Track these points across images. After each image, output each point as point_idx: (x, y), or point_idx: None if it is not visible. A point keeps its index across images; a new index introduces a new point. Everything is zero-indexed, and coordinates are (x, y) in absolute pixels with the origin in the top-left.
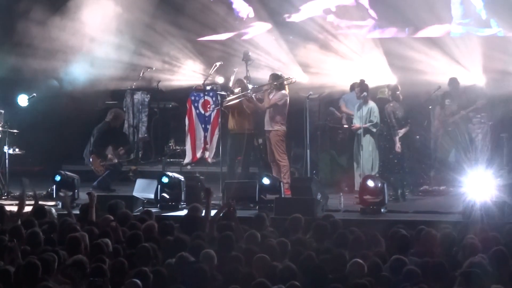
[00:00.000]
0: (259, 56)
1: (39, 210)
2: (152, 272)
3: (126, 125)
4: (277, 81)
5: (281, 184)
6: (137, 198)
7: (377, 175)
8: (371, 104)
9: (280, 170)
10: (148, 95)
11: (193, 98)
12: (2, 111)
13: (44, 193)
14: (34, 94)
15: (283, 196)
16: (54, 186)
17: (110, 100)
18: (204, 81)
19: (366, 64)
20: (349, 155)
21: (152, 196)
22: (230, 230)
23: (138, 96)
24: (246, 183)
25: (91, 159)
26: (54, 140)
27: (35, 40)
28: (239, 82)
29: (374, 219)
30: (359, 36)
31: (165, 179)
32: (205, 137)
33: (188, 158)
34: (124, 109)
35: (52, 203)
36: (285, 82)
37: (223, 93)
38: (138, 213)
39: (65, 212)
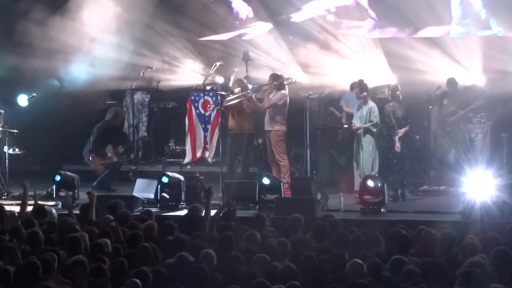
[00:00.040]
0: (259, 56)
1: (39, 210)
2: (152, 272)
3: (126, 125)
4: (277, 81)
5: (281, 184)
6: (137, 198)
7: (376, 175)
8: (371, 104)
9: (280, 170)
10: (148, 95)
11: (193, 98)
12: (2, 111)
13: (44, 193)
14: (34, 94)
15: (283, 196)
16: (54, 186)
17: (110, 100)
18: (204, 81)
19: (366, 64)
20: (349, 155)
21: (152, 196)
22: (230, 230)
23: (138, 96)
24: (246, 183)
25: (90, 158)
26: (54, 140)
27: (35, 40)
28: (239, 82)
29: (374, 219)
30: (359, 36)
31: (165, 179)
32: (205, 137)
33: (188, 158)
34: (124, 109)
35: (52, 203)
36: (285, 82)
37: (223, 93)
38: (138, 213)
39: (65, 212)
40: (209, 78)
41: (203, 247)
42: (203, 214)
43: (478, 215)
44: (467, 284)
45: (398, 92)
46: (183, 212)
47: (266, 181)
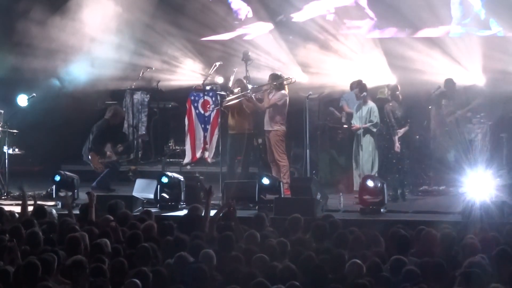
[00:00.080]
0: (259, 56)
1: (39, 210)
2: (152, 272)
3: (125, 125)
4: (277, 81)
5: (281, 184)
6: (136, 198)
7: (376, 175)
8: (371, 104)
9: (279, 170)
10: (148, 95)
11: (192, 98)
12: (2, 111)
13: (44, 193)
14: (34, 94)
15: (282, 196)
16: (54, 186)
17: (109, 100)
18: (204, 81)
19: (366, 64)
20: (349, 155)
21: (151, 196)
22: (230, 230)
23: (137, 96)
24: (246, 183)
25: (90, 157)
26: (53, 140)
27: (35, 40)
28: (238, 82)
29: (373, 219)
30: (359, 36)
31: (164, 179)
32: (204, 137)
33: (187, 158)
34: (124, 109)
35: (52, 203)
36: (285, 82)
37: (222, 93)
38: (138, 213)
39: (65, 212)
40: (209, 78)
41: (203, 247)
42: (202, 214)
43: (477, 215)
44: (467, 284)
45: (397, 92)
46: (183, 212)
47: (265, 181)
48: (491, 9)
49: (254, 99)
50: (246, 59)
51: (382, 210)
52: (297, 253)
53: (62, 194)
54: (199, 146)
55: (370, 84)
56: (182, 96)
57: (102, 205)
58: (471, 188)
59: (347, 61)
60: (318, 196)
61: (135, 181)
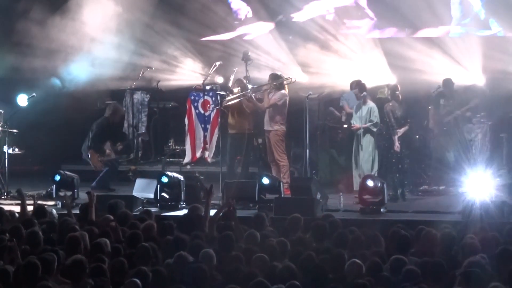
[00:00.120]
0: (259, 56)
1: (39, 210)
2: (152, 271)
3: (125, 125)
4: (277, 81)
5: (281, 184)
6: (136, 198)
7: (376, 174)
8: (371, 104)
9: (279, 170)
10: (148, 95)
11: (192, 98)
12: (2, 111)
13: (44, 193)
14: (34, 94)
15: (282, 196)
16: (54, 185)
17: (109, 100)
18: (204, 81)
19: (366, 64)
20: (349, 155)
21: (151, 195)
22: (230, 230)
23: (137, 96)
24: (246, 183)
25: (89, 154)
26: (53, 140)
27: (35, 40)
28: (238, 82)
29: (373, 219)
30: (359, 36)
31: (164, 179)
32: (204, 136)
33: (187, 158)
34: (124, 108)
35: (52, 202)
36: (285, 82)
37: (222, 93)
38: (138, 213)
39: (65, 212)
40: (209, 78)
41: (203, 247)
42: (202, 214)
43: (477, 215)
44: (467, 284)
45: (397, 92)
46: (183, 212)
47: (265, 181)
48: (491, 9)
49: (254, 99)
50: (246, 59)
51: (382, 210)
52: (297, 253)
53: (61, 194)
54: (199, 146)
55: (370, 84)
56: (182, 96)
57: (102, 204)
58: (471, 188)
59: (347, 61)
60: (318, 196)
61: (135, 180)
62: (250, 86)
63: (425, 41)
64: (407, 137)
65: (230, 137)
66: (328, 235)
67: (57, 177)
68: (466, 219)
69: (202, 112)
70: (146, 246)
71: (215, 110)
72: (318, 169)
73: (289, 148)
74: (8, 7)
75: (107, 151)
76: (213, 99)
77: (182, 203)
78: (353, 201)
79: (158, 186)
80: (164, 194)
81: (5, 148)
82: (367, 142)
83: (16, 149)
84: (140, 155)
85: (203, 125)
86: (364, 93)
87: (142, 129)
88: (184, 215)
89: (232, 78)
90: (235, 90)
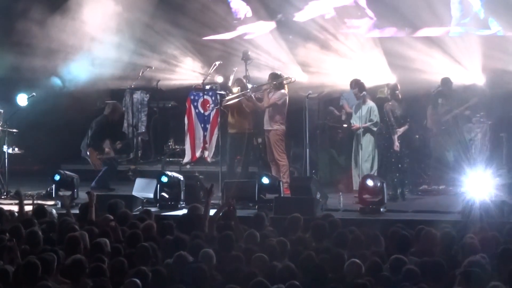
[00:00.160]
0: (259, 56)
1: (39, 210)
2: (151, 271)
3: (125, 125)
4: (277, 80)
5: (281, 183)
6: (136, 198)
7: (375, 174)
8: (370, 103)
9: (279, 169)
10: (148, 95)
11: (192, 97)
12: (2, 111)
13: (44, 192)
14: (34, 94)
15: (282, 195)
16: (54, 185)
17: (109, 99)
18: (204, 80)
19: (366, 63)
20: (349, 154)
21: (151, 195)
22: (230, 230)
23: (137, 95)
24: (246, 183)
25: (88, 152)
26: (53, 140)
27: (34, 39)
28: (238, 82)
29: (373, 218)
30: (358, 35)
31: (164, 179)
32: (204, 136)
33: (187, 158)
34: (124, 108)
35: (52, 202)
36: (285, 82)
37: (222, 92)
38: (138, 213)
39: (65, 212)
40: (209, 77)
41: (203, 246)
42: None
43: (477, 214)
44: (466, 284)
45: (397, 91)
46: (183, 212)
47: (265, 180)
48: (491, 9)
49: (253, 98)
50: (245, 58)
51: (381, 209)
52: (297, 252)
53: (61, 194)
54: (198, 146)
55: (370, 83)
56: (182, 96)
57: (102, 204)
58: (471, 188)
59: (347, 60)
60: (318, 196)
61: (134, 180)
62: (249, 86)
63: (425, 40)
64: (407, 136)
65: (230, 136)
66: (327, 235)
67: (57, 177)
68: (466, 218)
69: (202, 111)
70: (146, 246)
71: (214, 110)
72: (318, 168)
73: (289, 147)
74: (8, 6)
75: (106, 149)
76: (213, 98)
77: (181, 203)
78: (352, 200)
79: (158, 185)
80: (164, 193)
81: (5, 148)
82: (367, 142)
83: (16, 149)
84: (139, 154)
85: (202, 125)
86: (364, 92)
87: (142, 129)
88: (184, 214)
89: (232, 77)
90: (235, 89)
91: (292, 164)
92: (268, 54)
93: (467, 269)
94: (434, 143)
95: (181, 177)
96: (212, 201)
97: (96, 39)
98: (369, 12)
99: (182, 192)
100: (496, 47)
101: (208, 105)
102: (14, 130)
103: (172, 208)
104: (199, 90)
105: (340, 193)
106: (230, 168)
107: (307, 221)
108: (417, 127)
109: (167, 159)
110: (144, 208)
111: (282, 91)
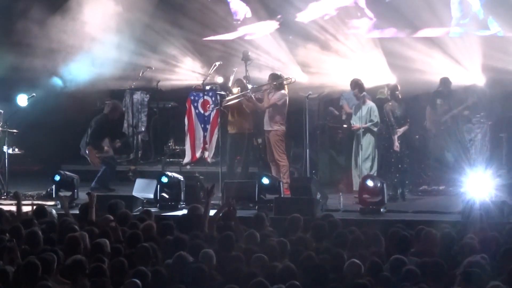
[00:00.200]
0: (259, 56)
1: (39, 210)
2: (152, 271)
3: (125, 125)
4: (277, 81)
5: (281, 184)
6: (136, 198)
7: (375, 174)
8: (370, 103)
9: (279, 170)
10: (148, 95)
11: (192, 97)
12: (2, 111)
13: (44, 193)
14: (34, 94)
15: (282, 196)
16: (54, 185)
17: (109, 99)
18: (204, 80)
19: (366, 63)
20: (349, 155)
21: (151, 196)
22: (230, 230)
23: (137, 95)
24: (246, 183)
25: (87, 151)
26: (53, 140)
27: (34, 39)
28: (238, 82)
29: (373, 219)
30: (358, 36)
31: (164, 179)
32: (204, 136)
33: (187, 158)
34: (124, 108)
35: (52, 203)
36: (285, 82)
37: (222, 92)
38: (138, 213)
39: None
40: (209, 78)
41: (203, 247)
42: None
43: (477, 215)
44: (466, 284)
45: (397, 92)
46: (183, 212)
47: (265, 181)
48: (490, 9)
49: (254, 99)
50: (246, 59)
51: (381, 210)
52: (297, 252)
53: (61, 194)
54: (199, 146)
55: (370, 84)
56: (182, 96)
57: (102, 205)
58: (471, 188)
59: (347, 61)
60: (318, 196)
61: (135, 181)
62: (250, 86)
63: (425, 41)
64: (407, 136)
65: (230, 137)
66: (328, 235)
67: (57, 177)
68: (466, 219)
69: (202, 112)
70: (146, 246)
71: (215, 110)
72: (318, 169)
73: (289, 148)
74: (8, 6)
75: (105, 147)
76: (213, 99)
77: (182, 203)
78: (353, 201)
79: (158, 186)
80: (164, 194)
81: (5, 148)
82: (367, 142)
83: (16, 149)
84: (140, 155)
85: (203, 125)
86: (364, 93)
87: (142, 129)
88: (184, 215)
89: (232, 78)
90: (235, 90)
91: (292, 165)
92: (268, 54)
93: (467, 269)
94: (433, 144)
95: (181, 177)
96: (212, 202)
97: (96, 39)
98: (369, 12)
99: (182, 193)
100: (496, 47)
101: (208, 105)
102: (14, 131)
103: (172, 209)
104: (199, 90)
105: (340, 194)
106: (230, 168)
107: (307, 221)
108: (417, 127)
109: (167, 160)
110: (144, 208)
111: (282, 91)
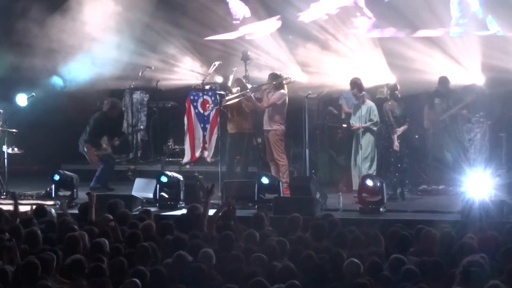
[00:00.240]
0: (258, 56)
1: (39, 210)
2: (151, 271)
3: (125, 125)
4: (276, 80)
5: (280, 183)
6: (136, 198)
7: (375, 174)
8: (370, 103)
9: (279, 169)
10: (147, 95)
11: (192, 97)
12: (1, 111)
13: (43, 192)
14: (33, 94)
15: (282, 195)
16: (53, 185)
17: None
18: (203, 80)
19: (365, 63)
20: (348, 154)
21: (151, 195)
22: (230, 230)
23: (137, 95)
24: (245, 183)
25: (85, 148)
26: (53, 140)
27: (34, 39)
28: (238, 82)
29: (373, 218)
30: (358, 35)
31: (164, 179)
32: (204, 136)
33: (187, 158)
34: (123, 108)
35: (51, 202)
36: (284, 82)
37: (222, 92)
38: (137, 213)
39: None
40: (208, 77)
41: (202, 246)
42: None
43: (477, 214)
44: (466, 283)
45: (396, 91)
46: (182, 212)
47: (265, 180)
48: (489, 9)
49: (253, 98)
50: (245, 58)
51: (381, 209)
52: (296, 252)
53: (61, 194)
54: (198, 146)
55: (369, 83)
56: (182, 96)
57: (101, 204)
58: (471, 188)
59: (347, 60)
60: (317, 196)
61: (134, 180)
62: (249, 86)
63: (424, 40)
64: (406, 136)
65: (230, 136)
66: (327, 235)
67: (56, 177)
68: (466, 218)
69: (202, 111)
70: (146, 246)
71: (214, 110)
72: (318, 168)
73: (289, 147)
74: (8, 6)
75: (104, 145)
76: (213, 98)
77: (181, 202)
78: (352, 200)
79: (158, 185)
80: (163, 193)
81: (5, 148)
82: (367, 142)
83: (16, 149)
84: (139, 154)
85: (202, 125)
86: (363, 92)
87: (141, 127)
88: (183, 214)
89: (231, 77)
90: (235, 89)
91: (292, 164)
92: (267, 54)
93: (467, 268)
94: (432, 143)
95: (180, 177)
96: (211, 201)
97: (96, 39)
98: (369, 12)
99: (181, 192)
100: (495, 47)
101: (207, 105)
102: (14, 130)
103: (172, 208)
104: (199, 90)
105: (340, 193)
106: (230, 168)
107: (306, 221)
108: (417, 127)
109: (167, 159)
110: (144, 208)
111: (282, 91)
